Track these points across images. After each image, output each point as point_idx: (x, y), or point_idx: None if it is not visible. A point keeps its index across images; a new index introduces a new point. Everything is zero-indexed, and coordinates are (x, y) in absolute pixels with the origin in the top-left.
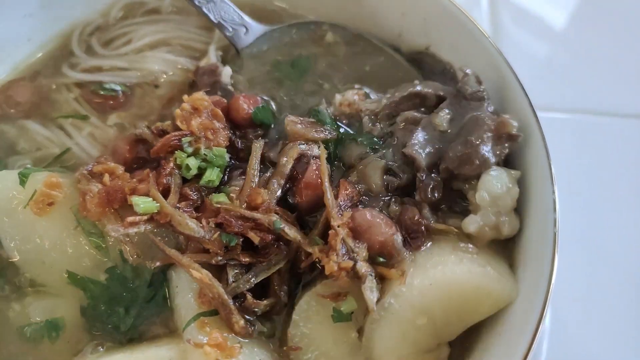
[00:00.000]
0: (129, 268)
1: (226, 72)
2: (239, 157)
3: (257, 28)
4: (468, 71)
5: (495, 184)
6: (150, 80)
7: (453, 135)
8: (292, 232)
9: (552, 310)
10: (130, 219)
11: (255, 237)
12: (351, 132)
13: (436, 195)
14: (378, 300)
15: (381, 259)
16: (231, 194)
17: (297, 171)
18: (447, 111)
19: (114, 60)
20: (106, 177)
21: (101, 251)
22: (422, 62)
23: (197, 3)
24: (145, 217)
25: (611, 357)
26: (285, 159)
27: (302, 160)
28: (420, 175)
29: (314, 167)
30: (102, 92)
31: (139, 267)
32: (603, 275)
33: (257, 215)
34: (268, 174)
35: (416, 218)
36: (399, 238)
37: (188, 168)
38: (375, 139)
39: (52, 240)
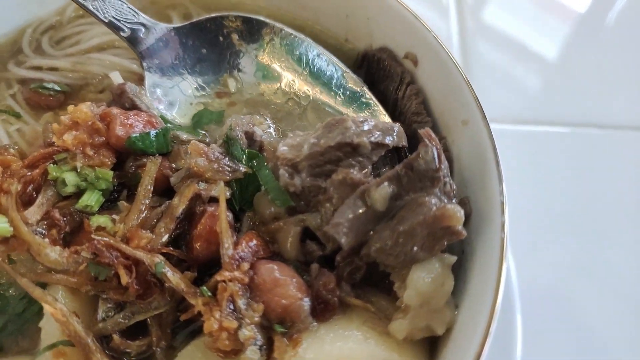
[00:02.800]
0: (7, 274)
1: (131, 88)
2: (129, 180)
3: (157, 27)
4: (430, 145)
5: (425, 280)
6: (93, 83)
7: (387, 215)
8: (175, 279)
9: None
10: None
11: (123, 276)
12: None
13: (356, 277)
14: None
15: (279, 328)
16: (114, 216)
17: (193, 214)
18: (387, 186)
19: (60, 60)
20: None
21: None
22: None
23: (81, 1)
24: None
25: None
26: (177, 199)
27: (197, 203)
28: (339, 257)
29: (210, 216)
30: (41, 91)
31: None
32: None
33: (138, 253)
34: (161, 209)
35: (331, 286)
36: (307, 305)
37: (64, 184)
38: (289, 199)
39: None
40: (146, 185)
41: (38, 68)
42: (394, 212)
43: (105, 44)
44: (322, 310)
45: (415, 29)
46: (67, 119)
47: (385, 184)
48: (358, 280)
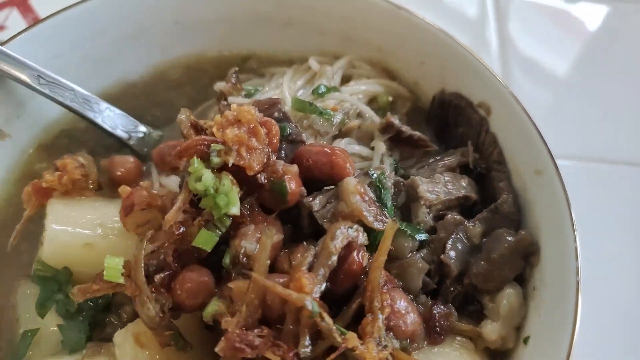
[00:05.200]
0: None
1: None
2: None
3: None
4: (509, 195)
5: (514, 296)
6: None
7: (478, 248)
8: (329, 320)
9: None
10: (95, 286)
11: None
12: (400, 222)
13: (457, 302)
14: None
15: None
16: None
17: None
18: (480, 224)
19: None
20: None
21: None
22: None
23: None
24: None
25: None
26: (333, 245)
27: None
28: (448, 282)
29: (359, 256)
30: None
31: None
32: (613, 326)
33: (294, 295)
34: (312, 253)
35: (446, 315)
36: (422, 329)
37: (198, 179)
38: (421, 231)
39: None
40: (264, 260)
41: None
42: (482, 244)
43: None
44: (436, 334)
45: (490, 81)
46: (231, 115)
47: (478, 222)
48: (458, 304)
